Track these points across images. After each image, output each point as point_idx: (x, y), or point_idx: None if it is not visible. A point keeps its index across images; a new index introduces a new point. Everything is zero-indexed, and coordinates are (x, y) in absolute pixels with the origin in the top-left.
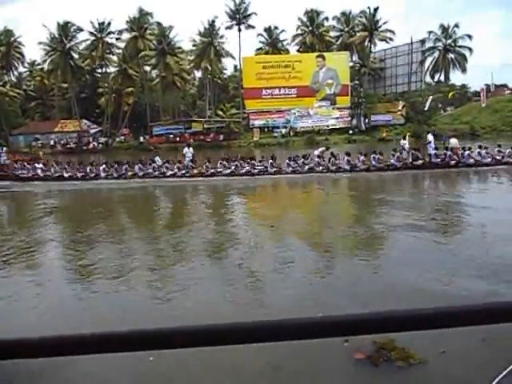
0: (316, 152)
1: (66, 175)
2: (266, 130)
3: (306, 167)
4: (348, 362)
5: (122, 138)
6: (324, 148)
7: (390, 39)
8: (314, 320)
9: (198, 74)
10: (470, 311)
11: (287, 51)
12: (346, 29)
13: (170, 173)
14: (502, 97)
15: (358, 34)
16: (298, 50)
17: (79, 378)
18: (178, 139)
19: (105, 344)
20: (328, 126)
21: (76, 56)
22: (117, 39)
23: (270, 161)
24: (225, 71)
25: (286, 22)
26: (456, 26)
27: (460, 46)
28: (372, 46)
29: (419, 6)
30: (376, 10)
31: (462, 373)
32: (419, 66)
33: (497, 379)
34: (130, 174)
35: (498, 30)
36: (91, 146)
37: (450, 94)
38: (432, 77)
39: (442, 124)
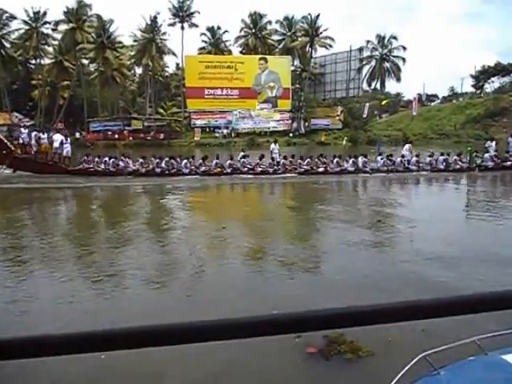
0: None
1: (143, 171)
2: (207, 130)
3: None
4: (300, 356)
5: None
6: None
7: (330, 46)
8: (269, 317)
9: (139, 70)
10: (409, 308)
11: (230, 52)
12: (289, 33)
13: (259, 169)
14: (431, 106)
15: (299, 39)
16: (241, 52)
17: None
18: (116, 136)
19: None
20: (269, 128)
21: (8, 45)
22: (53, 30)
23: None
24: (167, 69)
25: (229, 23)
26: (393, 37)
27: (395, 56)
28: (313, 51)
29: (360, 15)
30: (317, 16)
31: (404, 360)
32: (357, 73)
33: (396, 379)
34: (216, 170)
35: (433, 44)
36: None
37: (385, 101)
38: (369, 84)
39: (378, 130)
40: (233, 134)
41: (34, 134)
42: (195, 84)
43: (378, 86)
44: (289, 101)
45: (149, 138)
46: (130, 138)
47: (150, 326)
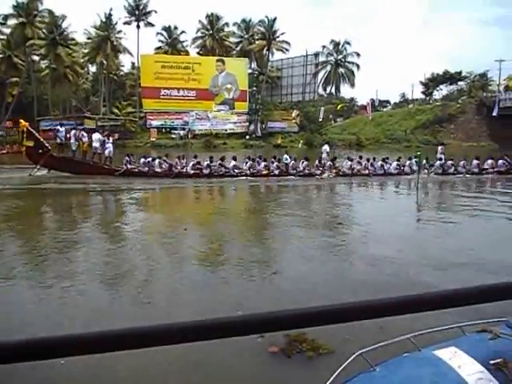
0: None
1: (191, 172)
2: (163, 130)
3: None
4: (263, 355)
5: (3, 132)
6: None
7: (287, 50)
8: (233, 319)
9: (93, 68)
10: (369, 307)
11: (187, 53)
12: (246, 36)
13: (306, 171)
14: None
15: (257, 42)
16: (198, 53)
17: None
18: (68, 136)
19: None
20: (226, 130)
21: None
22: (1, 24)
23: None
24: (122, 68)
25: (186, 24)
26: (346, 42)
27: (349, 62)
28: (270, 54)
29: (316, 20)
30: (274, 20)
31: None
32: (313, 77)
33: (332, 377)
34: (265, 171)
35: (386, 51)
36: None
37: (340, 106)
38: (324, 89)
39: (333, 134)
40: (189, 136)
41: (73, 132)
42: (151, 84)
43: (333, 91)
44: (246, 103)
45: None
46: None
47: (107, 330)
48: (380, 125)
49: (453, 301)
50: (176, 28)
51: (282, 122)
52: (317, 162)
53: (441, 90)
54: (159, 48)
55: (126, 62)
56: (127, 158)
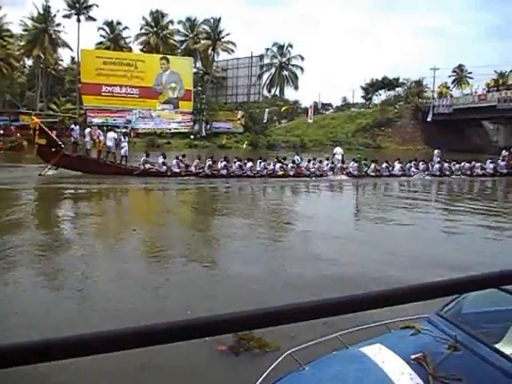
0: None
1: (209, 173)
2: (104, 129)
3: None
4: (211, 354)
5: None
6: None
7: (232, 51)
8: (185, 322)
9: (29, 61)
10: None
11: (130, 49)
12: (191, 35)
13: (319, 172)
14: (326, 114)
15: (202, 42)
16: (142, 50)
17: None
18: (1, 132)
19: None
20: (170, 130)
21: None
22: None
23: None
24: (61, 62)
25: (130, 20)
26: (289, 45)
27: (293, 65)
28: (215, 54)
29: (262, 22)
30: (219, 20)
31: (307, 352)
32: (257, 79)
33: (262, 377)
34: (281, 172)
35: (329, 55)
36: None
37: (284, 108)
38: (269, 90)
39: (277, 135)
40: (132, 134)
41: (87, 130)
42: (92, 80)
43: (278, 93)
44: (190, 103)
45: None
46: (18, 135)
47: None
48: (323, 127)
49: (424, 293)
50: (119, 23)
51: (226, 122)
52: (329, 163)
53: (380, 95)
54: (101, 43)
55: (65, 56)
56: (145, 157)
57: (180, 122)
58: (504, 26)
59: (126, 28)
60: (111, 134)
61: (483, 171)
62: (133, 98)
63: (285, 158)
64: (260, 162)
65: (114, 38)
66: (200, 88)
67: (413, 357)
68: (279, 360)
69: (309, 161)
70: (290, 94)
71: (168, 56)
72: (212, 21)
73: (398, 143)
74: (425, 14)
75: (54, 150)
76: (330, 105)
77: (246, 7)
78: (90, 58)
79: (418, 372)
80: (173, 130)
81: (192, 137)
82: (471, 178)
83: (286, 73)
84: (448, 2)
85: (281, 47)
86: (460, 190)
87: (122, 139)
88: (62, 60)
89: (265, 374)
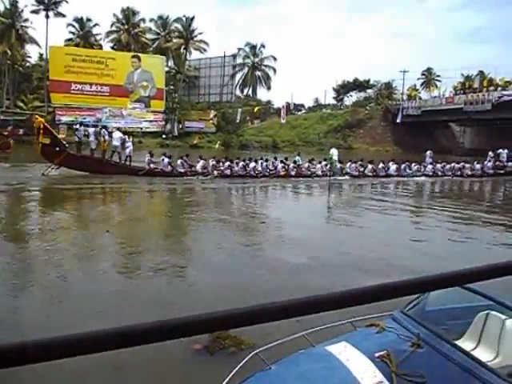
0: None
1: (215, 173)
2: (74, 127)
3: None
4: (187, 353)
5: None
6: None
7: (205, 50)
8: (162, 323)
9: None
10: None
11: (100, 47)
12: (163, 33)
13: (319, 173)
14: (298, 115)
15: (174, 40)
16: (113, 48)
17: None
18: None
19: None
20: (141, 129)
21: None
22: None
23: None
24: (28, 59)
25: (100, 16)
26: (262, 45)
27: (266, 66)
28: (187, 53)
29: (235, 22)
30: (192, 19)
31: (281, 349)
32: (230, 79)
33: (228, 377)
34: (283, 172)
35: (302, 56)
36: None
37: (256, 108)
38: (242, 90)
39: (249, 135)
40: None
41: (92, 130)
42: (61, 77)
43: (251, 93)
44: (162, 102)
45: (5, 133)
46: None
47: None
48: (295, 128)
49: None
50: (89, 20)
51: (199, 122)
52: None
53: (351, 96)
54: (70, 40)
55: (33, 52)
56: (149, 157)
57: (151, 121)
58: (473, 31)
59: (96, 25)
60: (117, 134)
61: (473, 172)
62: (103, 97)
63: (286, 159)
64: (262, 163)
65: (83, 35)
66: (172, 87)
67: (377, 355)
68: (246, 360)
69: (309, 161)
70: (262, 94)
71: (139, 54)
72: (185, 19)
73: (369, 144)
74: (396, 17)
75: (57, 149)
76: (302, 105)
77: (218, 7)
78: (58, 55)
79: (382, 370)
80: (144, 129)
81: (164, 136)
82: (461, 179)
83: (258, 73)
84: (420, 5)
85: (253, 47)
86: (460, 189)
87: (127, 139)
88: (29, 56)
89: (231, 374)
